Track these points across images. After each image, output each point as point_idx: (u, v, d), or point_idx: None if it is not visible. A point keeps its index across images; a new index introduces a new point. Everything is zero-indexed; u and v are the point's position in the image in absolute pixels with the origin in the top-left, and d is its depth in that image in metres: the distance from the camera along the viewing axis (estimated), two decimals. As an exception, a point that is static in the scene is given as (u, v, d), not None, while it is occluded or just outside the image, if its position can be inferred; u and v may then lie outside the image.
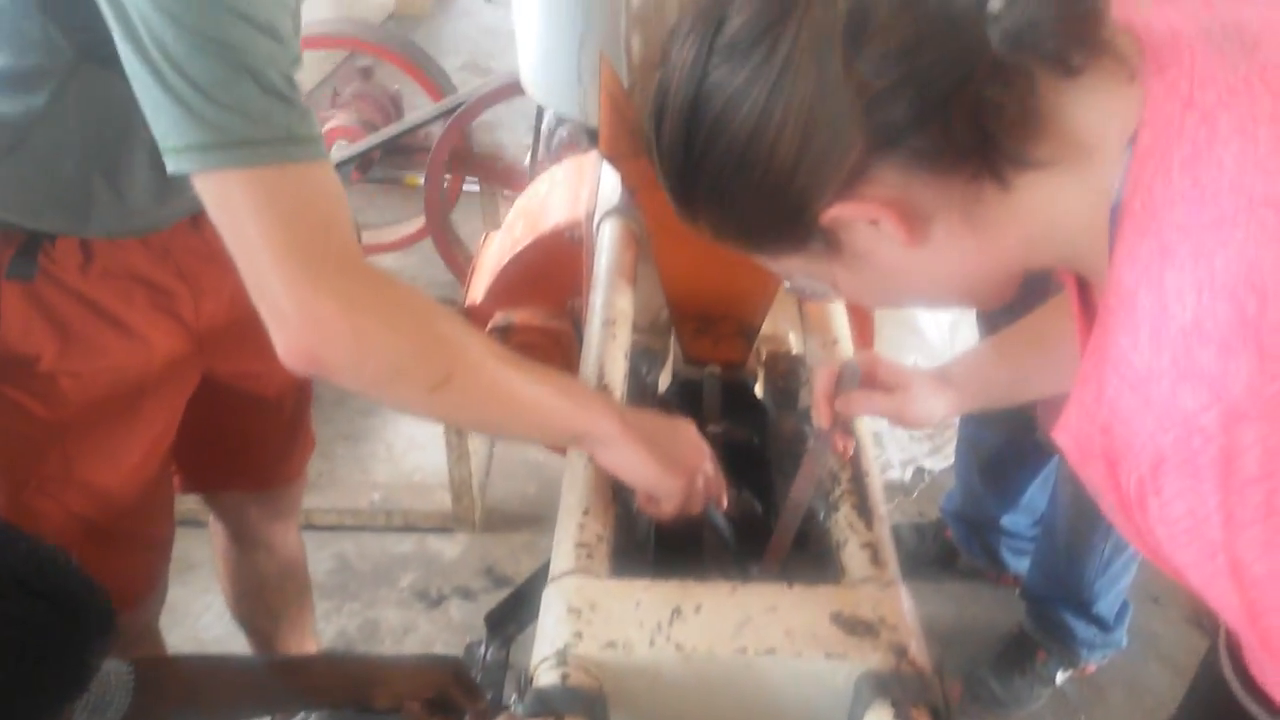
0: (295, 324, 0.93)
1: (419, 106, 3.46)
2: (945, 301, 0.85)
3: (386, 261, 3.59)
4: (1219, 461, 0.63)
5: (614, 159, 1.31)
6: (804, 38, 0.70)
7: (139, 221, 1.24)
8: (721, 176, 0.75)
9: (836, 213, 0.73)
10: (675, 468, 1.09)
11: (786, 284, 0.91)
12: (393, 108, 3.35)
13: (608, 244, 1.50)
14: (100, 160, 1.15)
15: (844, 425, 1.12)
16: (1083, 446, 0.72)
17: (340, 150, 2.94)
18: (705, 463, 1.13)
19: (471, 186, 3.11)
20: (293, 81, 0.93)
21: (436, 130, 3.01)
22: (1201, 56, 0.68)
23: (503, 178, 2.84)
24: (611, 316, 1.33)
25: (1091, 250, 0.71)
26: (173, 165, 0.92)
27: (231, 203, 0.92)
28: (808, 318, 1.36)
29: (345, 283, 0.94)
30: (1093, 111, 0.70)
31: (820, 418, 1.11)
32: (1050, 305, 1.07)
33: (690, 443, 1.12)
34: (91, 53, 1.04)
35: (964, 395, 1.13)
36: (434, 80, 3.17)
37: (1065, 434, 0.72)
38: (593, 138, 1.59)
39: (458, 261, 2.98)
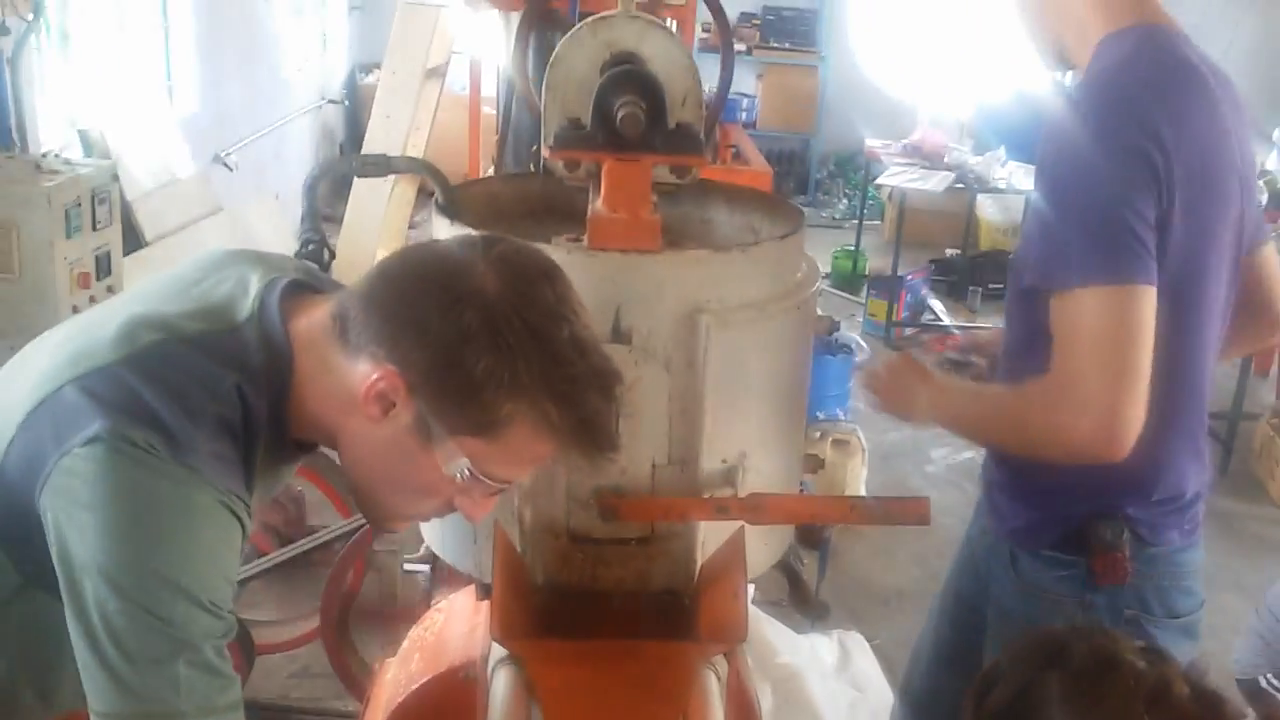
0: None
1: (321, 505, 3.58)
2: None
3: (275, 659, 3.55)
4: None
5: (506, 641, 1.43)
6: (1119, 689, 1.08)
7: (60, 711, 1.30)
8: None
9: None
10: None
11: None
12: (294, 508, 3.46)
13: (501, 698, 1.58)
14: (31, 672, 1.21)
15: None
16: None
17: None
18: None
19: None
20: (222, 651, 1.01)
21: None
22: None
23: (399, 616, 2.94)
24: (504, 785, 1.40)
25: None
26: None
27: None
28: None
29: None
30: None
31: None
32: None
33: None
34: (38, 580, 1.12)
35: None
36: (340, 492, 3.32)
37: None
38: (485, 590, 1.72)
39: (351, 672, 3.00)
